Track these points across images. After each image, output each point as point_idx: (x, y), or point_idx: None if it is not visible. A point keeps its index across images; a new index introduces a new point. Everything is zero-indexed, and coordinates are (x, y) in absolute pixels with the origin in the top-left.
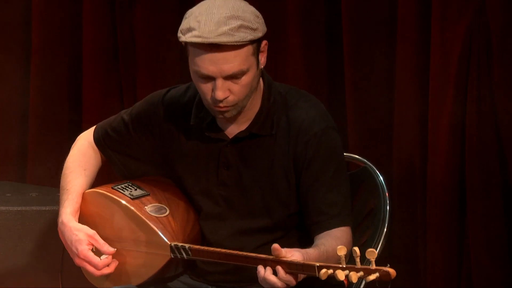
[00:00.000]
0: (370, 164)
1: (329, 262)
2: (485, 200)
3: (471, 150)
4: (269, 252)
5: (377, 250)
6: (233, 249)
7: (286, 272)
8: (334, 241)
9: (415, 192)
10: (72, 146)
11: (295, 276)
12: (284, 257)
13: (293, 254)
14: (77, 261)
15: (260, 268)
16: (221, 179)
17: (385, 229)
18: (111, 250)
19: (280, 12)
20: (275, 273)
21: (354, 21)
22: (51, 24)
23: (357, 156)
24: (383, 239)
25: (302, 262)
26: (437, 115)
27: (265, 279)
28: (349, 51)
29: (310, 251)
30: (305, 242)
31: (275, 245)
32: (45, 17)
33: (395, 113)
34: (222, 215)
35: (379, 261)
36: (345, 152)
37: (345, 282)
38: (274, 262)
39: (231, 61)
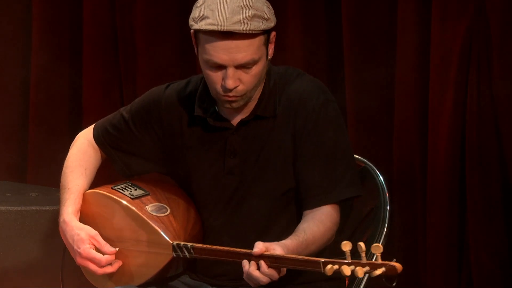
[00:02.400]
0: (370, 164)
1: (309, 250)
2: (485, 200)
3: (471, 150)
4: (273, 236)
5: None
6: (239, 235)
7: (269, 266)
8: (317, 227)
9: (415, 192)
10: (72, 144)
11: (278, 270)
12: (264, 250)
13: (275, 249)
14: (79, 260)
15: (245, 263)
16: (228, 168)
17: (385, 229)
18: (112, 250)
19: (280, 8)
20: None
21: (354, 20)
22: (51, 24)
23: (357, 156)
24: (383, 239)
25: (306, 258)
26: (437, 115)
27: (249, 274)
28: (349, 51)
29: (288, 243)
30: None
31: (257, 248)
32: (45, 17)
33: (395, 113)
34: (228, 204)
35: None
36: None
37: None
38: (278, 259)
39: (244, 50)
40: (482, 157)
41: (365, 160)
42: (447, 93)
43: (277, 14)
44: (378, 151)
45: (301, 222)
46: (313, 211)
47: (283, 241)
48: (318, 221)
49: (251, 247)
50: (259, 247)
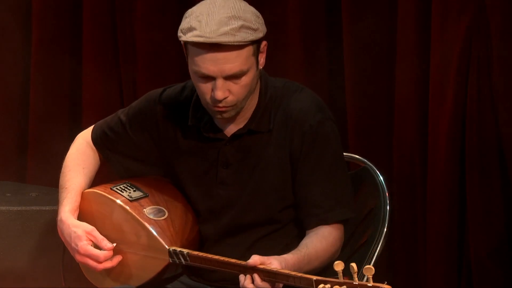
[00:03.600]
0: (370, 164)
1: (311, 266)
2: (485, 200)
3: (471, 150)
4: (265, 246)
5: (377, 250)
6: (231, 246)
7: (262, 280)
8: (319, 242)
9: (415, 192)
10: (71, 145)
11: (272, 284)
12: (259, 263)
13: (271, 262)
14: (78, 257)
15: (241, 277)
16: (220, 178)
17: (385, 229)
18: (110, 245)
19: (280, 11)
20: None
21: (354, 20)
22: (51, 24)
23: (357, 156)
24: (383, 239)
25: (300, 274)
26: (437, 114)
27: (244, 287)
28: (349, 51)
29: (289, 258)
30: (304, 236)
31: (253, 256)
32: (45, 17)
33: (395, 113)
34: (221, 213)
35: (380, 261)
36: (345, 152)
37: None
38: (270, 274)
39: (232, 61)
40: (482, 157)
41: (365, 160)
42: (447, 93)
43: (277, 15)
44: (378, 151)
45: (304, 238)
46: (316, 228)
47: (283, 255)
48: (321, 237)
49: (243, 259)
50: (254, 259)
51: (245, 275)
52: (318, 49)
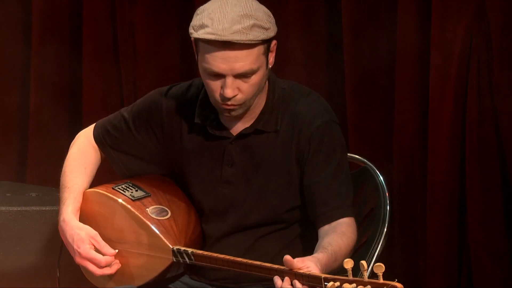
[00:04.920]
0: (370, 164)
1: (338, 263)
2: (485, 200)
3: (471, 150)
4: (268, 244)
5: (377, 250)
6: (234, 243)
7: (303, 284)
8: (341, 239)
9: (415, 192)
10: (72, 144)
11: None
12: (296, 268)
13: (309, 266)
14: (78, 259)
15: (277, 279)
16: (225, 177)
17: (385, 229)
18: (112, 251)
19: (280, 11)
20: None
21: (354, 20)
22: (51, 23)
23: (357, 156)
24: (383, 239)
25: (307, 272)
26: (437, 115)
27: None
28: (349, 51)
29: (320, 257)
30: (307, 236)
31: (287, 257)
32: (45, 17)
33: (395, 113)
34: (224, 212)
35: (380, 261)
36: None
37: None
38: (278, 272)
39: (243, 60)
40: (482, 157)
41: (365, 160)
42: (447, 93)
43: (277, 15)
44: (378, 151)
45: (323, 237)
46: (331, 225)
47: (315, 256)
48: (340, 233)
49: (245, 257)
50: (293, 261)
51: (266, 275)
52: (318, 49)
